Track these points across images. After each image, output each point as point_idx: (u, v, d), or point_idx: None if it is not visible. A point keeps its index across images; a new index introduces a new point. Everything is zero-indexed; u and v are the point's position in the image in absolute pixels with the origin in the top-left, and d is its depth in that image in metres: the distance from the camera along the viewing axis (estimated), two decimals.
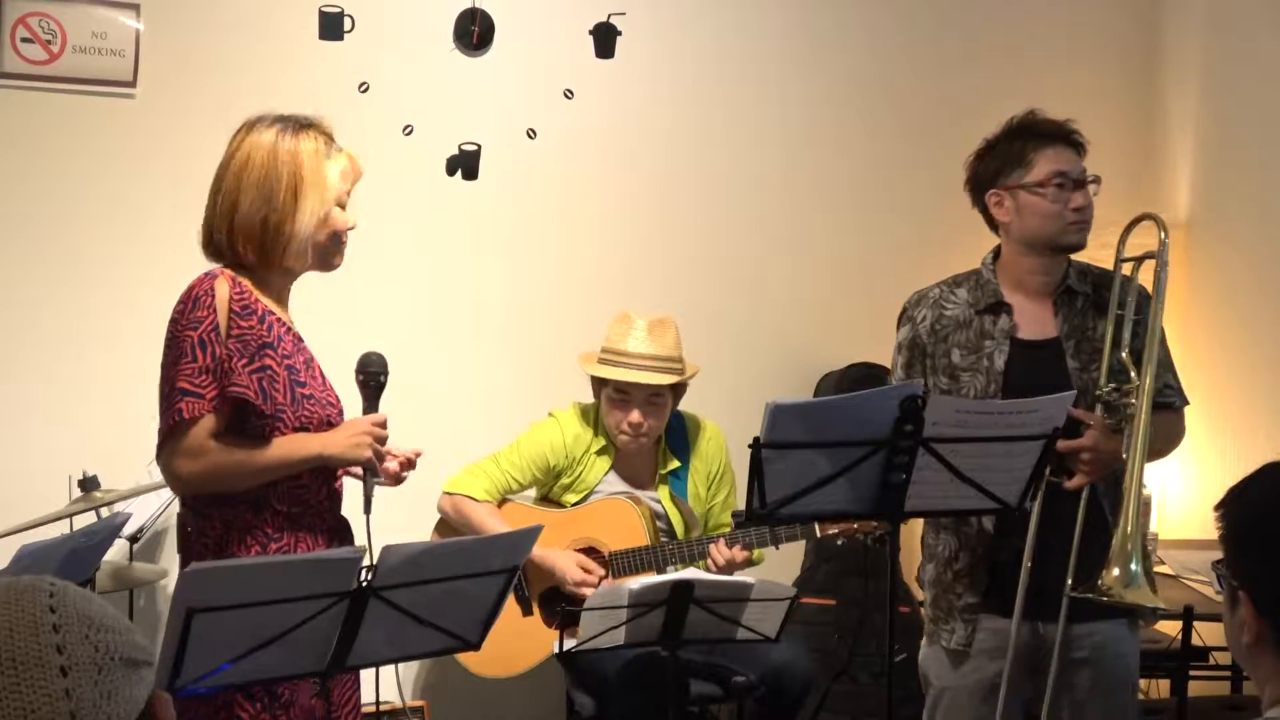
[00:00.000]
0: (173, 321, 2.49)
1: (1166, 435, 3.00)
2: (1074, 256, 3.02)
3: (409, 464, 2.71)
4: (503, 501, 3.80)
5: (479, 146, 4.38)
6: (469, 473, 3.78)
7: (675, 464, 3.82)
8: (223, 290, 2.46)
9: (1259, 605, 1.56)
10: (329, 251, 2.60)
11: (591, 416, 3.82)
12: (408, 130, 4.32)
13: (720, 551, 3.53)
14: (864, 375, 4.38)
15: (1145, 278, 2.96)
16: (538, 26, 4.40)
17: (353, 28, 4.29)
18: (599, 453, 3.79)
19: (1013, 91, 4.60)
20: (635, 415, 3.69)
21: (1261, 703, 1.59)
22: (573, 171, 4.46)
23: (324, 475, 2.56)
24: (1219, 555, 1.65)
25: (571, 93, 4.43)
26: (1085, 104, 4.69)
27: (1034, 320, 2.97)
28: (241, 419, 2.47)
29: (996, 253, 3.02)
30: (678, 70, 4.50)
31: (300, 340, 2.61)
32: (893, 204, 4.64)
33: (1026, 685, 2.97)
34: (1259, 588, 1.57)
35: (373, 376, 2.63)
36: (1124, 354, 2.88)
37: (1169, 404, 3.00)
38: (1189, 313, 4.50)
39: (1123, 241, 2.99)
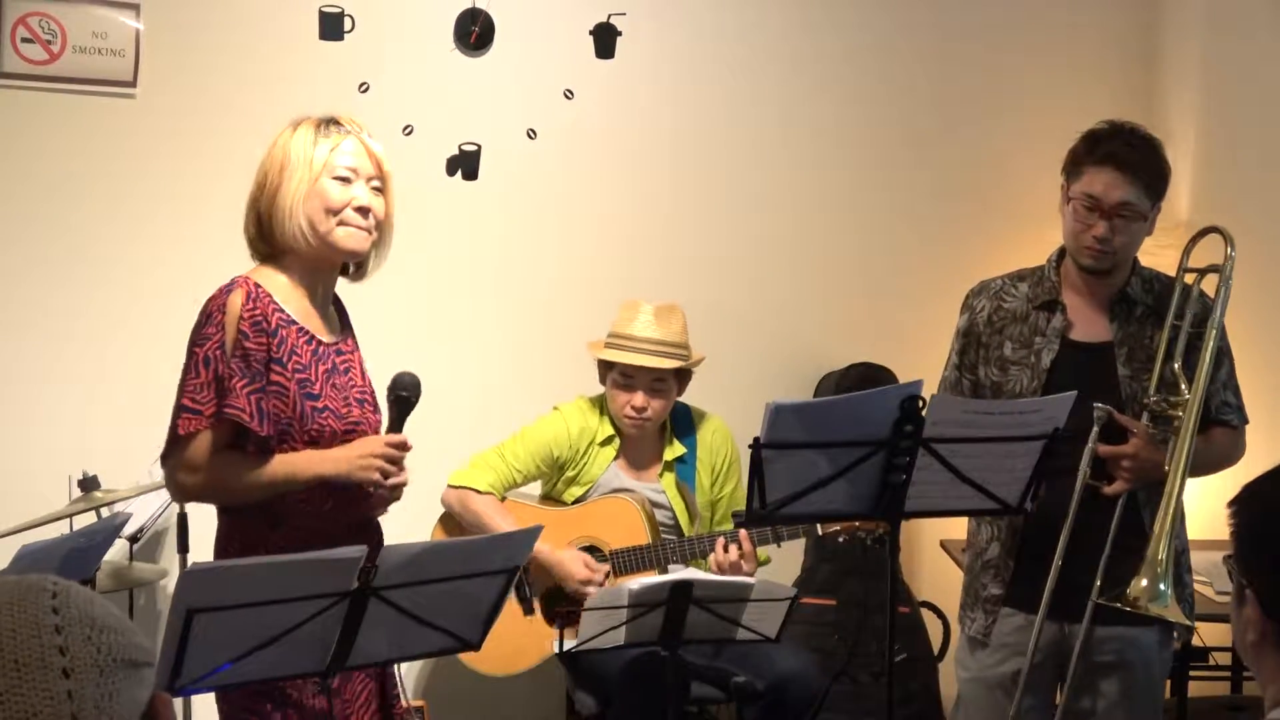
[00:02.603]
0: (191, 331, 2.52)
1: (1220, 453, 2.98)
2: (1144, 264, 2.99)
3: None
4: (504, 497, 3.80)
5: (479, 146, 4.38)
6: (473, 465, 3.79)
7: (681, 450, 3.84)
8: (235, 305, 2.47)
9: (1265, 604, 1.56)
10: (324, 227, 2.54)
11: (599, 406, 3.84)
12: (408, 130, 4.32)
13: (717, 559, 3.52)
14: (864, 375, 4.37)
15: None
16: (538, 26, 4.40)
17: (353, 28, 4.29)
18: (603, 444, 3.80)
19: (1013, 92, 4.64)
20: (638, 398, 3.71)
21: (1265, 702, 1.59)
22: (573, 171, 4.46)
23: (330, 487, 2.54)
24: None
25: (571, 93, 4.43)
26: (1085, 104, 4.71)
27: (1089, 322, 2.96)
28: (244, 435, 2.48)
29: (1062, 251, 3.01)
30: (678, 70, 4.50)
31: (331, 346, 2.62)
32: (893, 204, 4.63)
33: (1055, 684, 2.98)
34: (1266, 587, 1.56)
35: (401, 398, 2.63)
36: (1176, 366, 2.85)
37: (1226, 421, 2.97)
38: None
39: (1187, 252, 2.96)
